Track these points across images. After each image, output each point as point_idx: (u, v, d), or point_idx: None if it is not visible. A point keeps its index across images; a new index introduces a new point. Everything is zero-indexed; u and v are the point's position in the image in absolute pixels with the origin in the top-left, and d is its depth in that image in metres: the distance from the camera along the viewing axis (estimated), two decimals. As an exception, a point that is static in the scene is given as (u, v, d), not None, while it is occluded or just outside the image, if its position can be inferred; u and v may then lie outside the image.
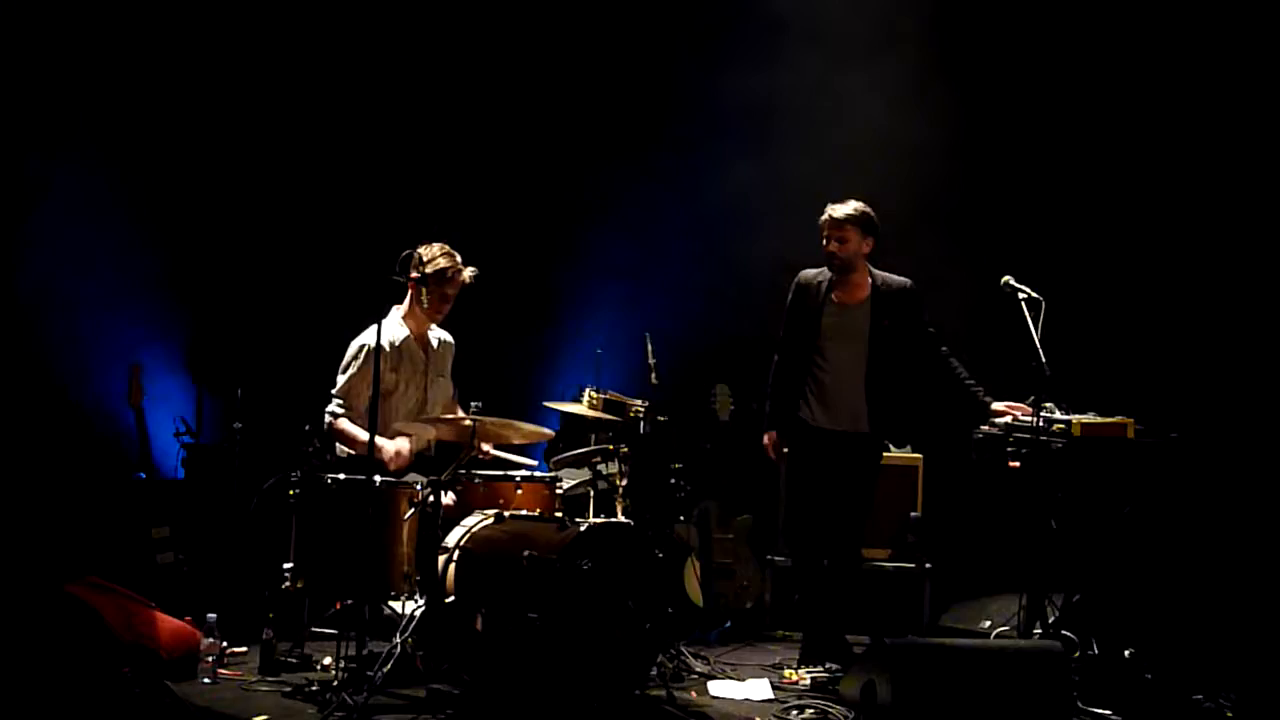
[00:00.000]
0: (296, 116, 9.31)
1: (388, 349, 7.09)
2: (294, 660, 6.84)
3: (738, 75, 9.48)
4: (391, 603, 6.60)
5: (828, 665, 7.10)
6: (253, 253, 9.21)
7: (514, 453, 7.45)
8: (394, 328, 7.25)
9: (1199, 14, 8.73)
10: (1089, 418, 6.73)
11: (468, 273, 7.19)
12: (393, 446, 6.97)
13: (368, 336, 6.88)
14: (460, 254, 7.23)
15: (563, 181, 9.77)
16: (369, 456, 6.33)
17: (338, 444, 7.15)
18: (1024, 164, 9.12)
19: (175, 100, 8.98)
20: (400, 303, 7.33)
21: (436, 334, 7.49)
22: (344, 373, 7.15)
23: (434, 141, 9.57)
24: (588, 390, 7.98)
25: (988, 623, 7.62)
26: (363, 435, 6.58)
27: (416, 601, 6.49)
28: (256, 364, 8.72)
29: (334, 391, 7.14)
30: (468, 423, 6.66)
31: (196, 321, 9.17)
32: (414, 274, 6.98)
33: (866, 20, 9.31)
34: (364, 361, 6.98)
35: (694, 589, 8.54)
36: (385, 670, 6.11)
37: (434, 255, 7.14)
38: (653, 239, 9.78)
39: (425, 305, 7.22)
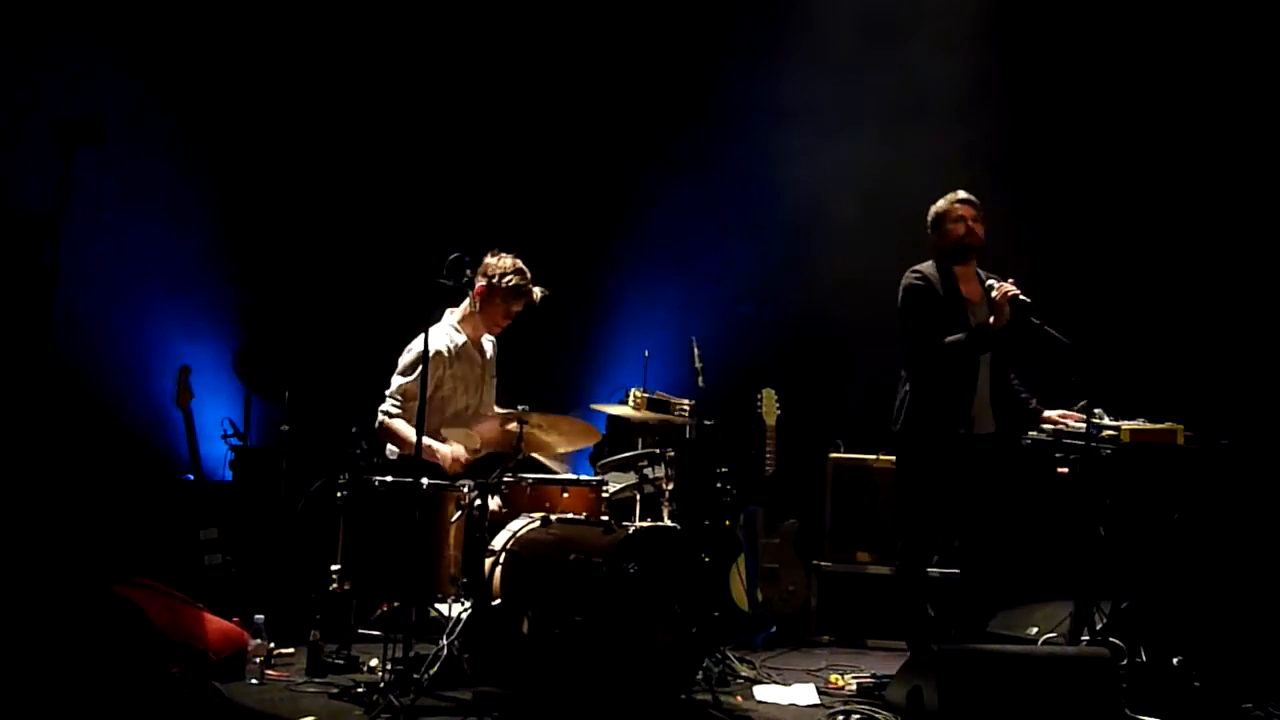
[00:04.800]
0: (348, 123, 9.36)
1: (446, 354, 7.21)
2: (341, 662, 6.84)
3: (791, 70, 9.48)
4: (438, 605, 6.60)
5: None
6: (302, 256, 9.26)
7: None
8: (452, 332, 7.33)
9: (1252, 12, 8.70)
10: (1138, 424, 6.67)
11: (537, 292, 7.25)
12: (449, 450, 7.01)
13: (423, 342, 6.82)
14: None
15: (610, 181, 9.79)
16: (417, 458, 6.31)
17: (388, 444, 7.19)
18: (1073, 169, 9.09)
19: (228, 101, 9.06)
20: (455, 306, 7.37)
21: (488, 340, 7.56)
22: (402, 375, 7.19)
23: (480, 145, 9.60)
24: (632, 390, 7.98)
25: (1035, 629, 7.53)
26: (414, 436, 6.55)
27: (463, 604, 6.48)
28: (304, 367, 8.66)
29: (389, 391, 7.17)
30: (513, 426, 6.69)
31: (245, 324, 9.20)
32: (480, 281, 7.04)
33: (929, 15, 9.33)
34: (420, 366, 6.83)
35: (739, 593, 8.56)
36: (432, 672, 6.09)
37: (506, 269, 7.20)
38: (700, 241, 9.81)
39: (483, 313, 7.30)
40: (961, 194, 7.04)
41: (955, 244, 6.97)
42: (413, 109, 9.49)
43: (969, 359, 6.85)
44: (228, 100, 9.07)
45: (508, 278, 7.21)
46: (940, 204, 7.07)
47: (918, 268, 7.00)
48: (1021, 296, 6.67)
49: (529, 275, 7.28)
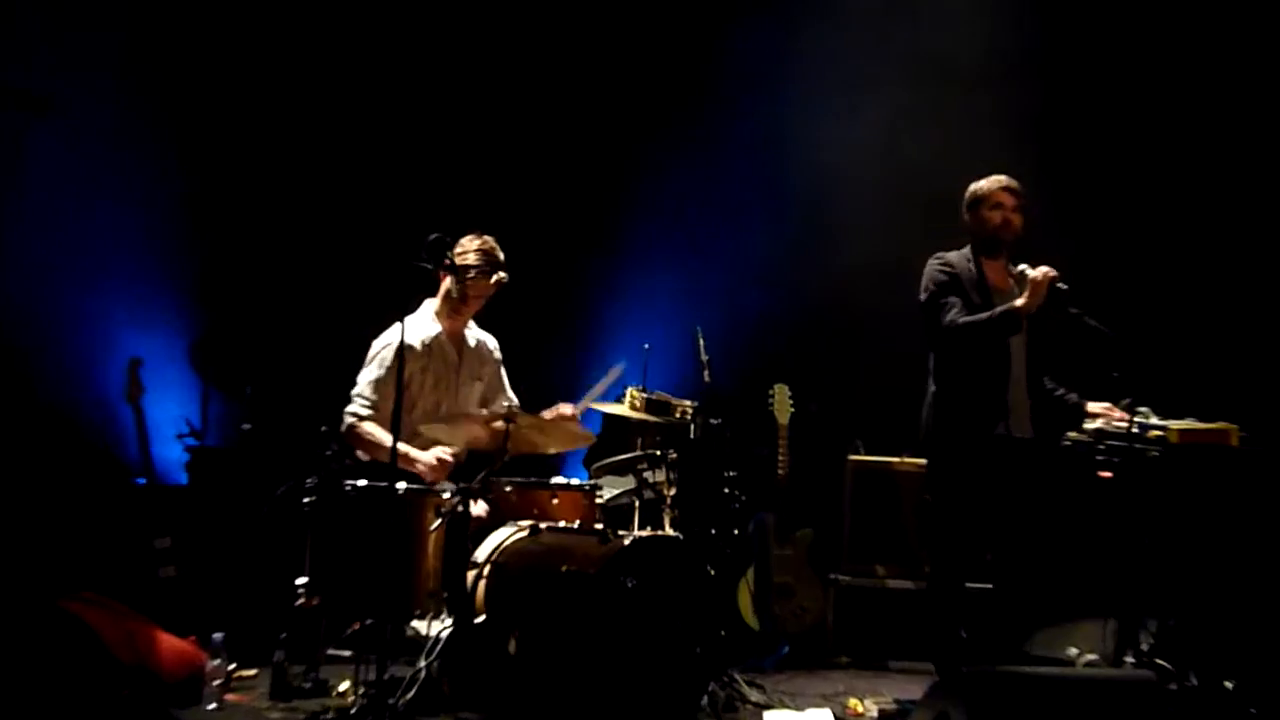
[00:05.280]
0: (315, 100, 9.22)
1: (418, 347, 7.03)
2: (308, 685, 6.58)
3: (805, 39, 9.37)
4: (416, 622, 6.41)
5: None
6: (266, 237, 9.10)
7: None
8: (425, 323, 7.17)
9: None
10: (1188, 424, 6.41)
11: (495, 278, 7.07)
12: (429, 457, 6.78)
13: (394, 334, 6.69)
14: (495, 241, 7.11)
15: (605, 160, 9.71)
16: (393, 464, 6.08)
17: (357, 450, 6.96)
18: (1116, 147, 8.97)
19: (187, 81, 8.87)
20: (433, 295, 7.22)
21: (476, 334, 7.37)
22: (368, 371, 6.98)
23: (467, 118, 9.49)
24: (630, 390, 7.81)
25: (1074, 649, 7.39)
26: (389, 441, 6.32)
27: (443, 621, 6.28)
28: (268, 359, 8.61)
29: (355, 391, 6.96)
30: (499, 424, 6.45)
31: (203, 312, 9.04)
32: (445, 263, 6.81)
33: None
34: (392, 360, 6.76)
35: (748, 610, 8.41)
36: (408, 696, 5.91)
37: (466, 249, 7.03)
38: (705, 225, 9.72)
39: (449, 298, 7.13)
40: (1004, 179, 6.86)
41: (990, 233, 6.84)
42: (395, 79, 9.32)
43: (994, 343, 6.65)
44: (186, 68, 8.87)
45: (465, 255, 7.02)
46: (980, 185, 6.89)
47: (942, 254, 6.88)
48: (1060, 284, 6.49)
49: (496, 256, 7.08)
